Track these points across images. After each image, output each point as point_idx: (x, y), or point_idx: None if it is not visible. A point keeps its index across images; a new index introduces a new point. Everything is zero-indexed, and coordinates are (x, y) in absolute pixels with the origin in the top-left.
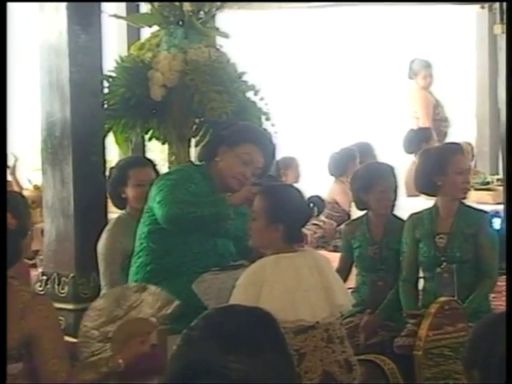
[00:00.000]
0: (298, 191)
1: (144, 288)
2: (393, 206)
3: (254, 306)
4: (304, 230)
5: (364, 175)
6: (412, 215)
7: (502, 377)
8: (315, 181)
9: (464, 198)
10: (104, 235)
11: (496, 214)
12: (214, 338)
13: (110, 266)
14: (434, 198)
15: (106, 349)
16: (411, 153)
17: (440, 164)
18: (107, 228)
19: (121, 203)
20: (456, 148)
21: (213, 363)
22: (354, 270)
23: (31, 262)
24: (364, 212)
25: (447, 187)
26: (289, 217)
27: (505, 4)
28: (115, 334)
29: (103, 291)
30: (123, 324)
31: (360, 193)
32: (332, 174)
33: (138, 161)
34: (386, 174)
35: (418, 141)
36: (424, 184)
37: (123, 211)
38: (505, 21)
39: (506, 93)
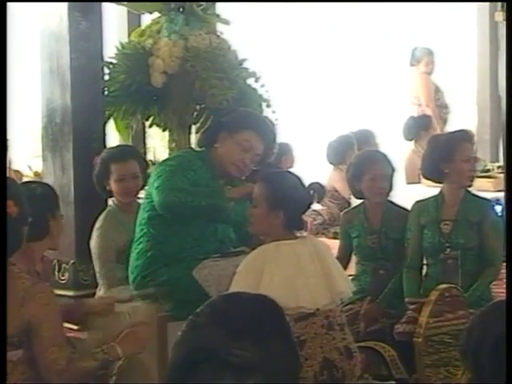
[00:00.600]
0: (298, 178)
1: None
2: (387, 194)
3: (260, 294)
4: (304, 217)
5: (356, 163)
6: (417, 202)
7: (494, 366)
8: (314, 168)
9: (470, 186)
10: (95, 234)
11: (497, 202)
12: (218, 324)
13: (106, 265)
14: (436, 185)
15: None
16: (411, 140)
17: (447, 151)
18: (97, 226)
19: (107, 195)
20: (464, 136)
21: (217, 350)
22: (354, 258)
23: None
24: (361, 201)
25: (454, 175)
26: (289, 204)
27: None
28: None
29: (102, 289)
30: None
31: (353, 181)
32: (331, 162)
33: (120, 154)
34: (377, 161)
35: (417, 128)
36: (431, 171)
37: (111, 203)
38: (505, 8)
39: (506, 82)
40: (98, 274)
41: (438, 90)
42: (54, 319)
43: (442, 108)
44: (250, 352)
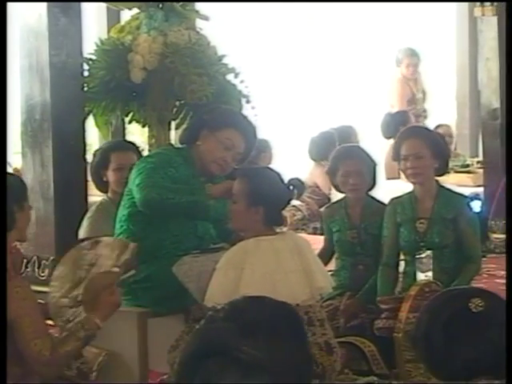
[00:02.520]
0: (278, 174)
1: (97, 242)
2: (363, 189)
3: (283, 302)
4: (283, 213)
5: (332, 158)
6: (393, 200)
7: (444, 349)
8: (293, 164)
9: (414, 183)
10: (85, 223)
11: (476, 197)
12: (234, 321)
13: None
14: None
15: (80, 312)
16: (389, 137)
17: (396, 149)
18: (88, 215)
19: (103, 187)
20: (406, 132)
21: (227, 345)
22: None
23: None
24: (343, 195)
25: (403, 172)
26: (269, 200)
27: None
28: (83, 295)
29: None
30: (88, 283)
31: (331, 176)
32: (313, 158)
33: (120, 145)
34: (350, 157)
35: (394, 124)
36: (392, 169)
37: (104, 196)
38: (485, 4)
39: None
40: None
41: (413, 101)
42: (33, 312)
43: (416, 117)
44: (259, 351)
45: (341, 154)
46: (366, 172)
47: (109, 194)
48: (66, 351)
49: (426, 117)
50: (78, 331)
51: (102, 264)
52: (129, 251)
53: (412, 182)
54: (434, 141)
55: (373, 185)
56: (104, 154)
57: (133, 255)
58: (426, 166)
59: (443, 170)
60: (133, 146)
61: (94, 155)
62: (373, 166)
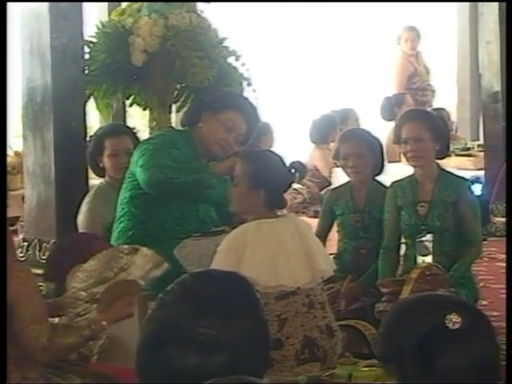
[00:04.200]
0: (279, 157)
1: (136, 250)
2: (366, 172)
3: (230, 272)
4: (285, 196)
5: (336, 142)
6: (393, 183)
7: (419, 369)
8: (294, 147)
9: (415, 166)
10: (83, 208)
11: (477, 180)
12: (186, 302)
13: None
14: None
15: (92, 310)
16: (389, 120)
17: (396, 132)
18: (86, 200)
19: (100, 172)
20: (406, 116)
21: (183, 328)
22: (336, 236)
23: (12, 229)
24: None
25: (404, 155)
26: (270, 182)
27: None
28: (102, 295)
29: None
30: (111, 285)
31: (336, 160)
32: (313, 141)
33: (114, 130)
34: (349, 139)
35: (392, 106)
36: (393, 152)
37: (102, 180)
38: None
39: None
40: None
41: (415, 74)
42: (32, 297)
43: (418, 90)
44: (215, 330)
45: (342, 137)
46: (368, 154)
47: (106, 179)
48: (65, 343)
49: (433, 91)
50: (83, 329)
51: (132, 272)
52: (161, 269)
53: (412, 165)
54: (433, 123)
55: (380, 169)
56: (98, 141)
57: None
58: (426, 149)
59: (444, 153)
60: (126, 129)
61: (89, 141)
62: (378, 148)
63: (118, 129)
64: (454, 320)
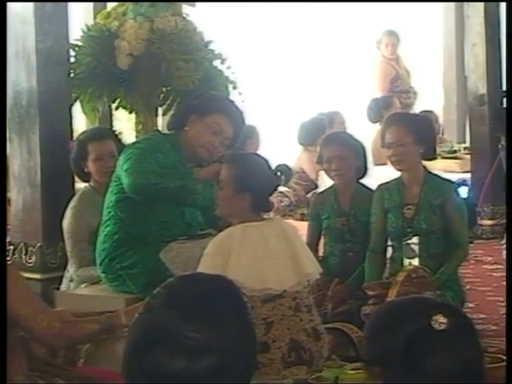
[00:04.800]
0: (265, 160)
1: None
2: (349, 176)
3: (217, 275)
4: (270, 199)
5: (319, 146)
6: (380, 186)
7: (404, 371)
8: (281, 150)
9: (399, 170)
10: (68, 213)
11: (463, 183)
12: (173, 306)
13: (78, 244)
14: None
15: None
16: (375, 122)
17: (381, 136)
18: (71, 205)
19: (85, 177)
20: (389, 120)
21: (170, 331)
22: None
23: None
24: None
25: (388, 159)
26: (256, 186)
27: None
28: None
29: (71, 269)
30: None
31: (320, 163)
32: (301, 143)
33: (97, 134)
34: (331, 142)
35: (379, 109)
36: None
37: (87, 185)
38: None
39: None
40: (69, 254)
41: (397, 77)
42: (26, 295)
43: (401, 93)
44: (202, 333)
45: (324, 140)
46: (351, 157)
47: (91, 183)
48: (83, 327)
49: (415, 93)
50: (101, 318)
51: None
52: None
53: (397, 169)
54: (416, 126)
55: (364, 171)
56: (82, 146)
57: None
58: (409, 153)
59: (431, 155)
60: (110, 133)
61: (71, 148)
62: (361, 151)
63: (102, 133)
64: (440, 321)
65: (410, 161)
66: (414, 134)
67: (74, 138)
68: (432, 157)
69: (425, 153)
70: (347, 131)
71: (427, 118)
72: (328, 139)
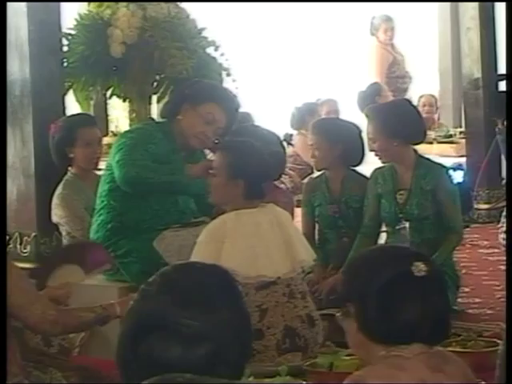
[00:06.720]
0: (259, 147)
1: None
2: (317, 162)
3: (213, 264)
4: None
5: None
6: (375, 170)
7: (378, 313)
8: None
9: (383, 163)
10: (57, 200)
11: (459, 167)
12: (169, 293)
13: (82, 223)
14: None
15: None
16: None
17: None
18: (57, 192)
19: (66, 162)
20: (368, 115)
21: (165, 319)
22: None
23: None
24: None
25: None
26: (249, 173)
27: None
28: None
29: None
30: None
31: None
32: (293, 127)
33: (87, 120)
34: (312, 130)
35: (370, 97)
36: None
37: (69, 173)
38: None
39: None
40: (78, 235)
41: (394, 62)
42: (20, 285)
43: (398, 79)
44: (198, 321)
45: (310, 127)
46: (329, 146)
47: (73, 170)
48: (78, 316)
49: (410, 77)
50: (96, 307)
51: None
52: None
53: (382, 162)
54: (388, 120)
55: (357, 158)
56: (69, 131)
57: None
58: (384, 148)
59: (414, 138)
60: (95, 121)
61: (54, 132)
62: (349, 139)
63: (91, 119)
64: (420, 267)
65: (388, 155)
66: (386, 128)
67: (56, 121)
68: (418, 140)
69: (405, 141)
70: (338, 118)
71: (400, 105)
72: (311, 127)
